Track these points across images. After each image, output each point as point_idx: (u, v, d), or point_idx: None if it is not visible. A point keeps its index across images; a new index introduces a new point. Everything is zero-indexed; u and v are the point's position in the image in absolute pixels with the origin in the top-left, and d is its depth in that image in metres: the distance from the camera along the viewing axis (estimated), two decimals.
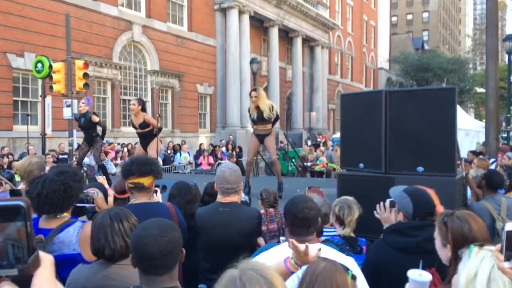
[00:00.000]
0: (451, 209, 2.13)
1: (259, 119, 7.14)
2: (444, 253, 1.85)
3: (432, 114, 3.46)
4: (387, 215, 2.58)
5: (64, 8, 14.06)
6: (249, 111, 7.27)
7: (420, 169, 3.53)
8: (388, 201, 2.59)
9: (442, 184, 3.06)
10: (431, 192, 2.46)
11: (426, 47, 60.32)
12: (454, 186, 3.44)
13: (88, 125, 8.19)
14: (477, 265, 1.40)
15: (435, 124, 3.46)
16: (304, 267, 1.61)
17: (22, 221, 0.76)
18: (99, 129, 8.38)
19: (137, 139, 7.82)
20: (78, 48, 14.67)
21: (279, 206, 4.06)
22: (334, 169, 13.31)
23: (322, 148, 16.25)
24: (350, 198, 2.92)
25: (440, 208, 2.38)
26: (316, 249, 1.73)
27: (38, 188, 2.19)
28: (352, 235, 2.84)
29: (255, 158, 9.29)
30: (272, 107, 7.10)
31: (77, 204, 2.51)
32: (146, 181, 2.64)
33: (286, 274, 1.73)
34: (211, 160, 15.48)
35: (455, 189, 3.46)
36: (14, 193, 2.64)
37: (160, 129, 7.75)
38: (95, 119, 8.19)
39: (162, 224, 1.72)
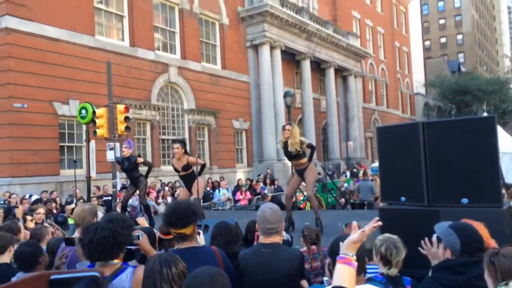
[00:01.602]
0: (501, 241, 2.08)
1: (289, 155, 7.23)
2: None
3: (473, 144, 3.40)
4: (435, 250, 2.50)
5: (105, 56, 14.83)
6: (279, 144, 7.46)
7: (465, 200, 3.44)
8: (435, 236, 2.54)
9: (488, 216, 2.97)
10: (480, 225, 2.41)
11: (462, 69, 59.14)
12: (502, 217, 3.33)
13: (132, 167, 8.45)
14: None
15: (476, 154, 3.39)
16: None
17: None
18: (141, 168, 8.61)
19: (177, 177, 7.94)
20: (119, 93, 15.32)
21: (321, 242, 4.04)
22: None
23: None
24: (395, 237, 2.86)
25: (491, 242, 2.32)
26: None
27: (90, 235, 2.30)
28: (397, 274, 2.79)
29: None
30: (302, 142, 7.11)
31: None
32: (187, 230, 2.68)
33: (355, 275, 1.78)
34: (248, 195, 15.50)
35: (503, 220, 3.34)
36: (69, 241, 2.79)
37: (204, 166, 7.82)
38: (140, 160, 8.45)
39: (212, 273, 1.80)
